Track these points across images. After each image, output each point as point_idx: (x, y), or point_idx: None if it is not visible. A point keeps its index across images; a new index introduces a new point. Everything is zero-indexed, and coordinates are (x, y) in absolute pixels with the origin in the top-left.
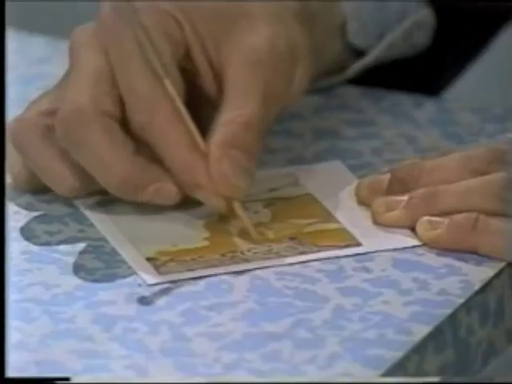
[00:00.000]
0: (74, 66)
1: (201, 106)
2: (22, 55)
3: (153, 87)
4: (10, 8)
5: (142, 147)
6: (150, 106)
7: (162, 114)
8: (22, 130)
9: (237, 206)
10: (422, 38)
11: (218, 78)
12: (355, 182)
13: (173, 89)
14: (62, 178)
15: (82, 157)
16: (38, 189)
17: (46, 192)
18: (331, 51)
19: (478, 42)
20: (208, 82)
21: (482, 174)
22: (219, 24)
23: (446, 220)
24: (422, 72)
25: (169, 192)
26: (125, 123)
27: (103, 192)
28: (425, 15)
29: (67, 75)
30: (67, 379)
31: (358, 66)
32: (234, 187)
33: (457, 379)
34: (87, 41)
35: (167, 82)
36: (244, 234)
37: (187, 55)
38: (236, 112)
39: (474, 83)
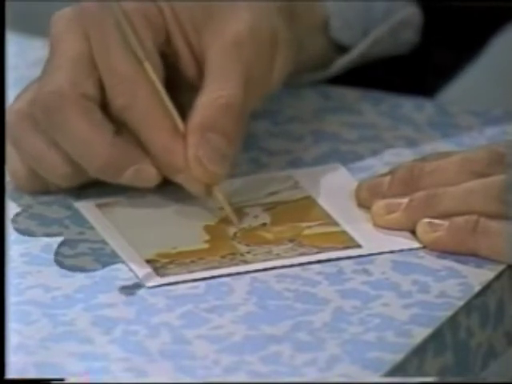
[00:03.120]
0: (54, 51)
1: (181, 91)
2: (21, 57)
3: (133, 70)
4: (9, 10)
5: (122, 130)
6: (130, 89)
7: (143, 97)
8: (12, 121)
9: (216, 190)
10: (410, 36)
11: (199, 63)
12: (355, 185)
13: (153, 72)
14: (53, 166)
15: (63, 139)
16: (35, 187)
17: (44, 191)
18: (313, 47)
19: (474, 43)
20: (189, 67)
21: (482, 176)
22: (200, 9)
23: (446, 222)
24: (417, 73)
25: (148, 174)
26: (105, 106)
27: (96, 180)
28: (412, 13)
29: (48, 61)
30: (62, 380)
31: (342, 62)
32: (210, 173)
33: (457, 379)
34: (67, 26)
35: (147, 65)
36: (244, 235)
37: (168, 40)
38: (216, 93)
39: (469, 85)
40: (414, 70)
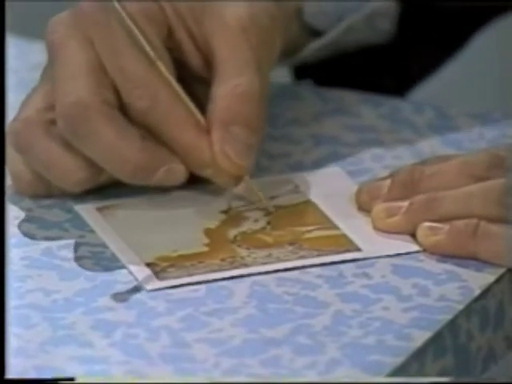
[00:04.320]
0: (59, 59)
1: (188, 84)
2: (21, 61)
3: (148, 72)
4: (9, 14)
5: (145, 131)
6: (148, 92)
7: (162, 98)
8: (23, 129)
9: (247, 181)
10: (385, 26)
11: (203, 53)
12: (355, 188)
13: (166, 70)
14: (68, 172)
15: (91, 149)
16: (38, 192)
17: (46, 196)
18: (288, 32)
19: (453, 41)
20: (193, 59)
21: (482, 179)
22: (199, 2)
23: (446, 226)
24: (388, 70)
25: (178, 173)
26: (123, 110)
27: (108, 183)
28: (388, 4)
29: (54, 69)
30: (72, 379)
31: (314, 46)
32: (238, 166)
33: (458, 380)
34: (67, 32)
35: (160, 65)
36: (244, 238)
37: (170, 35)
38: (232, 83)
39: (444, 84)
40: (390, 66)
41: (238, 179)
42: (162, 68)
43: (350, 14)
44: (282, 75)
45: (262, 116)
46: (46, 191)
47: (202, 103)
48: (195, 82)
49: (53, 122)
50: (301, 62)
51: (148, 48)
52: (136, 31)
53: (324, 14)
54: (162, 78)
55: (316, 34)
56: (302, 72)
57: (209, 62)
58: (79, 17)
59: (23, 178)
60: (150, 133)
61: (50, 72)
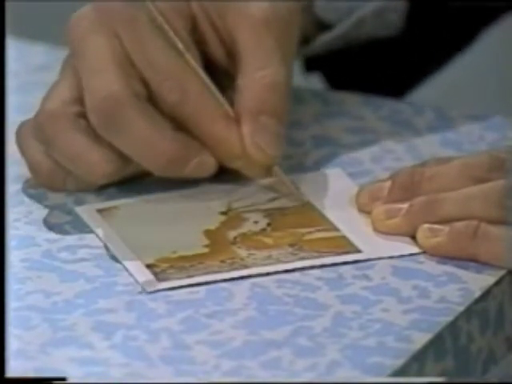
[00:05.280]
0: (84, 53)
1: (213, 76)
2: (22, 63)
3: (177, 64)
4: (10, 16)
5: (175, 123)
6: (179, 84)
7: (193, 90)
8: (49, 121)
9: (277, 171)
10: (394, 20)
11: (227, 46)
12: (355, 190)
13: (195, 62)
14: (95, 165)
15: (124, 143)
16: (54, 184)
17: (61, 189)
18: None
19: (460, 40)
20: (218, 51)
21: (482, 181)
22: None
23: (446, 228)
24: (396, 63)
25: (209, 164)
26: (153, 103)
27: (132, 177)
28: None
29: (80, 63)
30: (63, 379)
31: (324, 39)
32: (269, 156)
33: (458, 380)
34: (92, 26)
35: (189, 57)
36: (243, 240)
37: (195, 28)
38: (258, 73)
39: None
40: (397, 60)
41: (267, 170)
42: (191, 60)
43: (359, 8)
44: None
45: (288, 106)
46: (62, 184)
47: (227, 95)
48: (220, 75)
49: (79, 115)
50: (310, 55)
51: (176, 40)
52: (164, 23)
53: (334, 7)
54: (190, 70)
55: (326, 27)
56: (312, 64)
57: (233, 54)
58: (103, 11)
59: (41, 169)
60: (181, 125)
61: (73, 65)
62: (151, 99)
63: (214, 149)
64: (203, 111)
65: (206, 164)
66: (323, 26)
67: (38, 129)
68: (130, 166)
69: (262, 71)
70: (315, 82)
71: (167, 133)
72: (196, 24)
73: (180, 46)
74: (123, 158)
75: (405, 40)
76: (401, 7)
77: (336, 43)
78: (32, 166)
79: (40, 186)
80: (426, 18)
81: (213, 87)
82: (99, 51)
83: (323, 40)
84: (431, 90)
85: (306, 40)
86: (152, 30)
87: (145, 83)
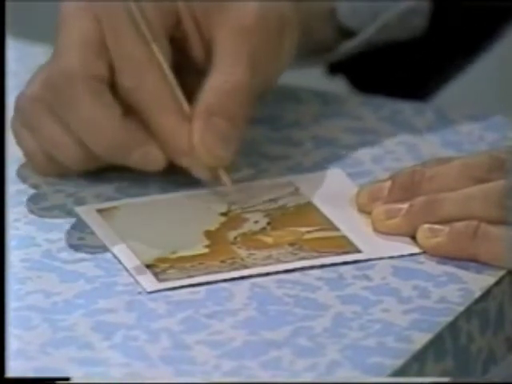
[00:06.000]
0: (63, 32)
1: (190, 75)
2: (21, 63)
3: (141, 52)
4: (10, 16)
5: (130, 111)
6: (138, 71)
7: (150, 79)
8: (29, 106)
9: (221, 173)
10: (417, 23)
11: (207, 46)
12: (355, 190)
13: (160, 54)
14: (67, 149)
15: (72, 119)
16: (51, 171)
17: (62, 175)
18: (321, 33)
19: (477, 42)
20: (197, 51)
21: (483, 181)
22: None
23: (446, 228)
24: (415, 72)
25: (155, 157)
26: (114, 87)
27: (114, 166)
28: (420, 1)
29: (57, 42)
30: (67, 379)
31: (349, 46)
32: (216, 157)
33: (459, 380)
34: (77, 9)
35: (155, 47)
36: (244, 240)
37: (178, 24)
38: (223, 78)
39: (468, 87)
40: (420, 63)
41: (213, 171)
42: (156, 50)
43: (383, 13)
44: (313, 74)
45: (246, 115)
46: (57, 171)
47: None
48: (197, 74)
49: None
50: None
51: (145, 30)
52: (137, 12)
53: (357, 13)
54: (153, 60)
55: (349, 33)
56: (335, 67)
57: (210, 55)
58: None
59: (36, 158)
60: (134, 115)
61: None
62: (114, 86)
63: (163, 142)
64: (156, 101)
65: (151, 156)
66: (347, 33)
67: (20, 114)
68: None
69: (227, 76)
70: (340, 84)
71: (115, 118)
72: (179, 21)
73: (147, 35)
74: None
75: (428, 41)
76: (424, 9)
77: (360, 48)
78: (27, 156)
79: (39, 174)
80: (450, 19)
81: (173, 81)
82: (76, 32)
83: (348, 46)
84: (455, 92)
85: (329, 48)
86: (128, 19)
87: (111, 69)
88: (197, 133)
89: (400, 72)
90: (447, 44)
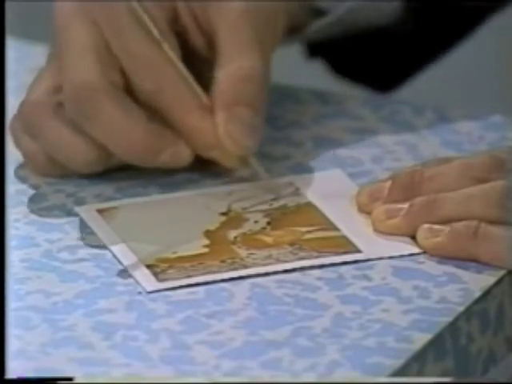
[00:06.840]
0: (65, 40)
1: (194, 67)
2: (21, 63)
3: (154, 53)
4: (10, 17)
5: (149, 111)
6: (155, 73)
7: (168, 80)
8: (32, 111)
9: (251, 161)
10: (392, 8)
11: (208, 36)
12: (355, 190)
13: (172, 52)
14: (76, 153)
15: (98, 131)
16: (52, 173)
17: (59, 177)
18: (293, 12)
19: (453, 35)
20: (198, 41)
21: (483, 181)
22: None
23: (446, 228)
24: (396, 54)
25: (183, 154)
26: (130, 92)
27: (118, 166)
28: None
29: (60, 49)
30: (70, 379)
31: (319, 24)
32: (243, 146)
33: (461, 380)
34: (73, 14)
35: (166, 47)
36: (244, 239)
37: (176, 19)
38: (234, 65)
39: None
40: (398, 50)
41: (243, 160)
42: (168, 50)
43: None
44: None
45: (265, 96)
46: (59, 172)
47: (208, 86)
48: (201, 65)
49: (61, 104)
50: (312, 42)
51: (154, 30)
52: (142, 13)
53: None
54: (167, 59)
55: (323, 15)
56: (314, 51)
57: (213, 44)
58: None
59: (36, 159)
60: (156, 115)
61: (56, 53)
62: (128, 89)
63: (189, 139)
64: (178, 101)
65: (180, 154)
66: (320, 14)
67: (23, 120)
68: (114, 155)
69: (239, 63)
70: (341, 84)
71: (141, 122)
72: (177, 15)
73: (157, 35)
74: (105, 147)
75: (405, 30)
76: None
77: (333, 30)
78: (27, 158)
79: (38, 175)
80: (426, 9)
81: (189, 77)
82: (78, 38)
83: (318, 25)
84: (430, 86)
85: (301, 28)
86: (131, 20)
87: (122, 72)
88: (221, 125)
89: (375, 59)
90: (424, 33)
